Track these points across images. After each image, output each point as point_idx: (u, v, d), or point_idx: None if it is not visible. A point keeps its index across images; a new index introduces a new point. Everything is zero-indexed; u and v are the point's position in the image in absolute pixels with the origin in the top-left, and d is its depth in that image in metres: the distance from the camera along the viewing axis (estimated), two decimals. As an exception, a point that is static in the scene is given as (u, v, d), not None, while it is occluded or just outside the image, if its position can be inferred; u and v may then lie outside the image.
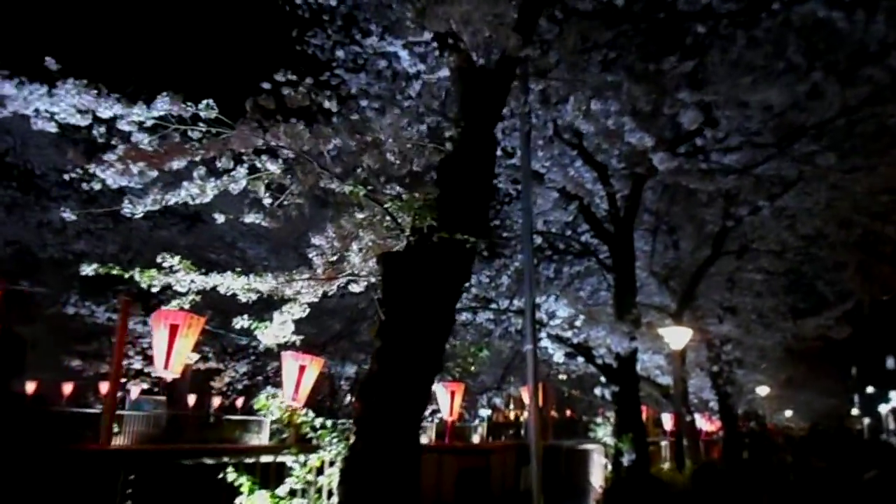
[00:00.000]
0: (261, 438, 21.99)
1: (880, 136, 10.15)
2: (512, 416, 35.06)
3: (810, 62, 7.02)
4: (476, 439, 28.06)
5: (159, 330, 7.53)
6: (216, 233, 18.21)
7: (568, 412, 33.33)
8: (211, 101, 3.56)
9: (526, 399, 12.74)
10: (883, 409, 45.79)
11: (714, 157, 9.94)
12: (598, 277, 13.81)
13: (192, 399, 22.78)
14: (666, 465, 11.53)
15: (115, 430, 12.52)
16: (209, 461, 8.76)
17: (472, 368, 6.92)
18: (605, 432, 9.18)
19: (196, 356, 15.40)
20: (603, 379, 9.31)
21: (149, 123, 3.56)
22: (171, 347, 7.79)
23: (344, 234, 4.29)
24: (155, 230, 17.47)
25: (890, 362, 48.91)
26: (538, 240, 10.98)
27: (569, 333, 8.86)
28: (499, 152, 9.77)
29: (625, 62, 6.55)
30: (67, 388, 23.04)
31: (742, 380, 17.44)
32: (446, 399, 9.23)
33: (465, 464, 7.78)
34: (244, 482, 4.88)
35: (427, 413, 30.99)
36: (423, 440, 30.03)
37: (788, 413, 38.65)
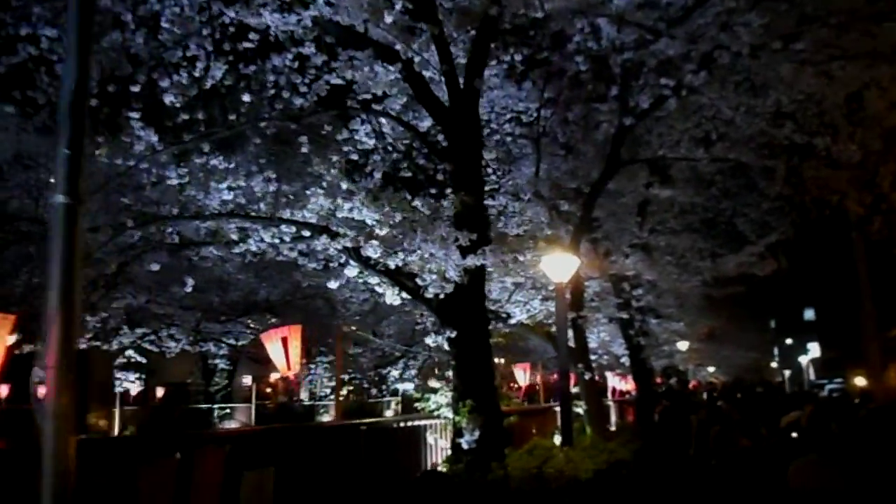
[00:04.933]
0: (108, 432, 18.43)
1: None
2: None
3: None
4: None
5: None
6: None
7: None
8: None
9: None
10: (802, 360, 45.84)
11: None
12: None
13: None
14: (557, 440, 8.93)
15: None
16: None
17: None
18: (444, 400, 6.36)
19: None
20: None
21: None
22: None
23: None
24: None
25: (808, 313, 49.16)
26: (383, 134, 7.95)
27: (390, 259, 5.90)
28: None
29: None
30: None
31: (657, 330, 15.15)
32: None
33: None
34: None
35: (329, 386, 27.87)
36: (326, 418, 26.93)
37: (711, 369, 37.68)
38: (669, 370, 17.92)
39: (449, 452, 6.37)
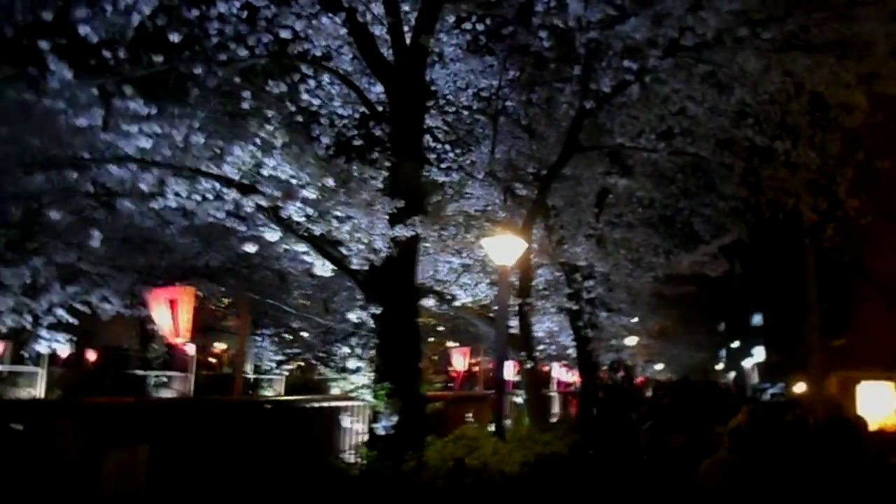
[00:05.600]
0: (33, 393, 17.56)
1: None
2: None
3: None
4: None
5: None
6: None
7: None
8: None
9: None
10: (747, 363, 46.83)
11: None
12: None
13: None
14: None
15: None
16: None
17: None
18: (365, 381, 5.89)
19: None
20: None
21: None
22: None
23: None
24: None
25: (756, 318, 50.13)
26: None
27: (314, 224, 5.36)
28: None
29: None
30: None
31: (606, 323, 15.00)
32: None
33: None
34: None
35: (274, 360, 27.03)
36: (269, 393, 26.30)
37: (660, 366, 38.20)
38: (615, 364, 17.86)
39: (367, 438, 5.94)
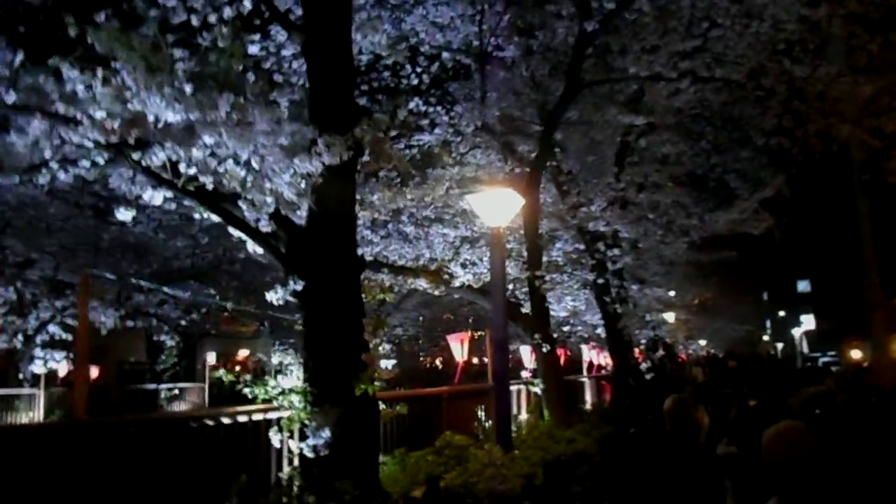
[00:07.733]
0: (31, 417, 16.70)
1: None
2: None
3: None
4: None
5: None
6: None
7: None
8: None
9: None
10: (795, 332, 44.47)
11: None
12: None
13: None
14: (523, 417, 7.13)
15: None
16: None
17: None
18: (294, 382, 4.48)
19: None
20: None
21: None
22: None
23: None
24: None
25: (802, 285, 47.75)
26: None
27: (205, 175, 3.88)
28: None
29: None
30: None
31: (636, 296, 13.41)
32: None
33: None
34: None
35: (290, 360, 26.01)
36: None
37: (703, 342, 36.25)
38: (650, 343, 16.17)
39: (288, 460, 4.44)
